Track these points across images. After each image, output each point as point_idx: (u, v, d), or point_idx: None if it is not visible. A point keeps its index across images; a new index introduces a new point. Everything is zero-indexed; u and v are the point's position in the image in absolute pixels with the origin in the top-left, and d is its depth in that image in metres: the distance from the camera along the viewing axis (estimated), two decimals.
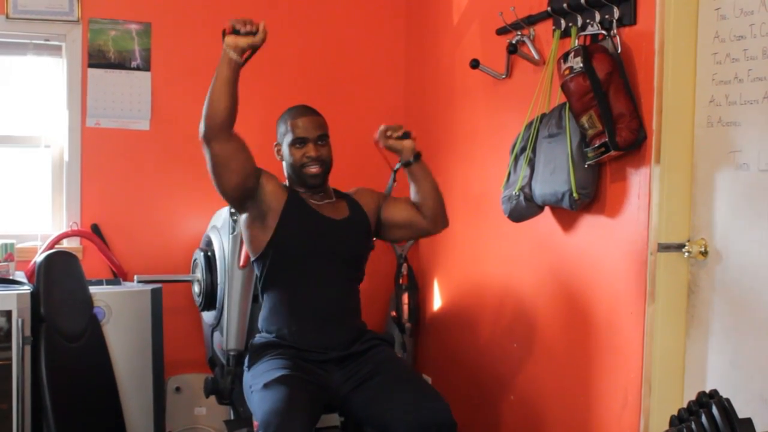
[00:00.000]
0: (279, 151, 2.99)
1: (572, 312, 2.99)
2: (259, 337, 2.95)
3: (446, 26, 3.94)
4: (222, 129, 2.66)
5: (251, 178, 2.81)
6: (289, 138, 2.91)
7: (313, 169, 2.91)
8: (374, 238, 3.09)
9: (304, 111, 2.96)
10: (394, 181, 3.07)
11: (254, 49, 2.63)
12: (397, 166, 3.01)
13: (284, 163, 2.98)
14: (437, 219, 3.05)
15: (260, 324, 2.98)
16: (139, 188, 4.08)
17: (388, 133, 2.94)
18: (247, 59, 2.64)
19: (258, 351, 2.87)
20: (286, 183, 3.00)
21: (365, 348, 2.88)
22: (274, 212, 2.86)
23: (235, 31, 2.59)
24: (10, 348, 3.18)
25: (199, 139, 2.69)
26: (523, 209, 2.99)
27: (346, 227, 2.95)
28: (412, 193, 3.04)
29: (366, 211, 3.03)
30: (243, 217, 2.92)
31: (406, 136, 2.96)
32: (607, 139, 2.54)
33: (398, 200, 3.08)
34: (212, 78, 2.63)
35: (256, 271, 2.97)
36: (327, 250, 2.89)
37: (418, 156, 2.97)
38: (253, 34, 2.60)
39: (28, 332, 3.22)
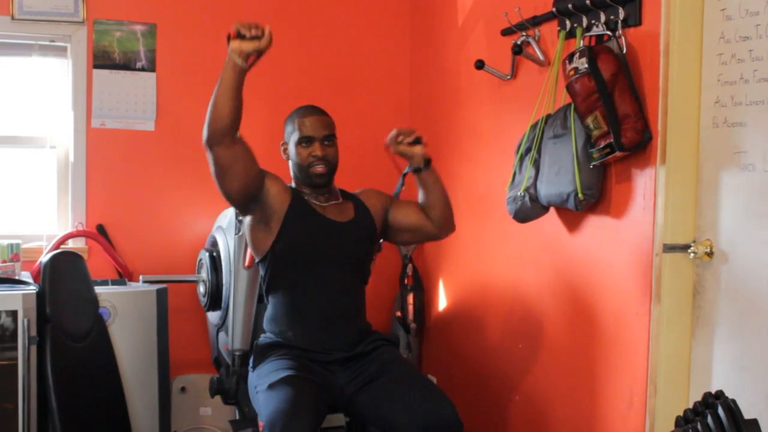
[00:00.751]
0: (285, 149, 2.98)
1: (577, 313, 2.99)
2: (264, 338, 2.95)
3: (451, 27, 3.94)
4: (226, 134, 2.65)
5: (255, 182, 2.81)
6: (296, 137, 2.91)
7: (319, 169, 2.90)
8: (380, 240, 3.09)
9: (312, 110, 2.95)
10: (403, 185, 3.07)
11: (260, 53, 2.60)
12: (407, 170, 3.00)
13: (290, 162, 2.98)
14: (444, 225, 3.04)
15: (265, 325, 2.98)
16: (144, 189, 4.08)
17: (399, 138, 2.92)
18: (252, 64, 2.62)
19: (263, 351, 2.88)
20: (291, 184, 3.00)
21: (370, 348, 2.88)
22: (278, 215, 2.86)
23: (240, 36, 2.56)
24: (15, 348, 3.19)
25: (203, 144, 2.69)
26: (528, 210, 2.99)
27: (350, 229, 2.94)
28: (420, 198, 3.03)
29: (372, 213, 3.02)
30: (247, 220, 2.92)
31: (418, 141, 2.92)
32: (612, 140, 2.54)
33: (406, 204, 3.07)
34: (216, 83, 2.62)
35: (261, 272, 2.98)
36: (330, 253, 2.89)
37: (428, 162, 2.95)
38: (259, 38, 2.57)
39: (33, 332, 3.22)
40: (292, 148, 2.94)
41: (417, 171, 2.96)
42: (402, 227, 3.06)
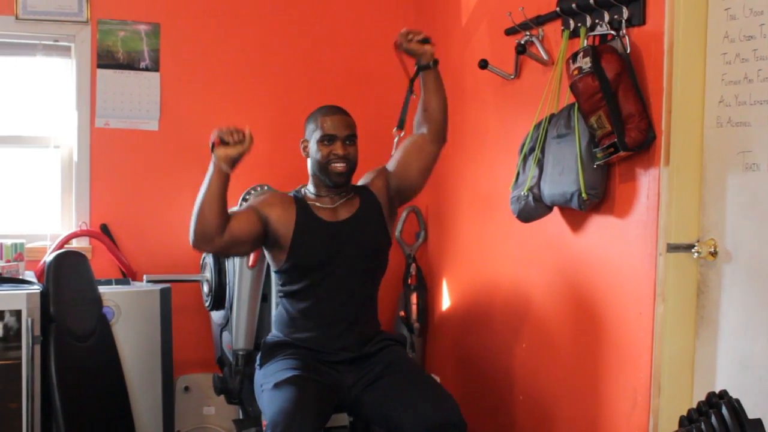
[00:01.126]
0: (306, 147, 2.97)
1: (581, 312, 2.98)
2: (272, 336, 2.95)
3: (455, 27, 3.94)
4: (214, 235, 2.70)
5: (257, 235, 2.84)
6: (317, 135, 2.90)
7: (339, 167, 2.88)
8: (394, 216, 3.07)
9: (335, 110, 2.95)
10: (412, 92, 3.04)
11: (242, 156, 2.68)
12: (416, 73, 2.96)
13: (309, 160, 2.95)
14: (438, 131, 3.00)
15: (273, 323, 2.99)
16: (148, 188, 4.09)
17: (410, 36, 2.91)
18: (234, 167, 2.69)
19: (271, 350, 2.88)
20: (295, 191, 2.99)
21: (377, 349, 2.89)
22: (285, 238, 2.86)
23: (224, 143, 2.64)
24: (19, 347, 3.19)
25: (191, 247, 2.76)
26: (532, 209, 2.99)
27: (358, 225, 2.93)
28: (421, 103, 3.00)
29: (378, 196, 2.99)
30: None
31: (427, 40, 2.93)
32: (616, 140, 2.54)
33: (396, 155, 3.04)
34: (199, 191, 2.68)
35: (276, 279, 2.98)
36: (341, 256, 2.88)
37: (436, 62, 2.95)
38: (242, 142, 2.65)
39: (37, 332, 3.23)
40: (312, 146, 2.92)
41: (425, 68, 2.94)
42: (404, 166, 3.01)
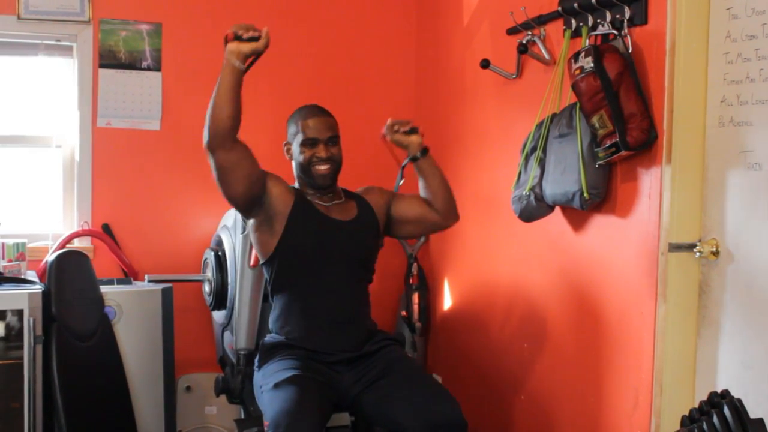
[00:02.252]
0: (289, 150, 2.98)
1: (583, 312, 2.98)
2: (270, 337, 2.95)
3: (457, 26, 3.94)
4: (226, 137, 2.65)
5: (257, 185, 2.80)
6: (299, 138, 2.91)
7: (322, 168, 2.89)
8: (384, 236, 3.09)
9: (316, 111, 2.95)
10: (402, 177, 3.06)
11: (257, 55, 2.62)
12: (405, 162, 3.00)
13: (293, 163, 2.97)
14: (448, 213, 3.04)
15: (271, 325, 2.99)
16: (149, 188, 4.09)
17: (395, 128, 2.94)
18: (249, 66, 2.63)
19: (269, 351, 2.88)
20: (294, 185, 3.00)
21: (376, 348, 2.88)
22: (281, 216, 2.85)
23: (238, 38, 2.58)
24: (21, 347, 3.19)
25: (203, 148, 2.69)
26: (534, 209, 2.99)
27: (354, 228, 2.94)
28: (421, 189, 3.03)
29: (375, 209, 3.02)
30: (251, 222, 2.91)
31: (414, 131, 2.95)
32: (617, 139, 2.54)
33: (408, 196, 3.07)
34: (215, 86, 2.63)
35: (266, 275, 2.97)
36: (335, 252, 2.89)
37: (425, 151, 2.96)
38: (256, 39, 2.58)
39: (39, 331, 3.23)
40: (295, 149, 2.93)
41: (414, 160, 2.96)
42: (405, 219, 3.06)
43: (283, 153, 3.01)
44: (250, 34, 2.58)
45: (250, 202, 2.82)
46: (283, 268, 2.88)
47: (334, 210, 2.95)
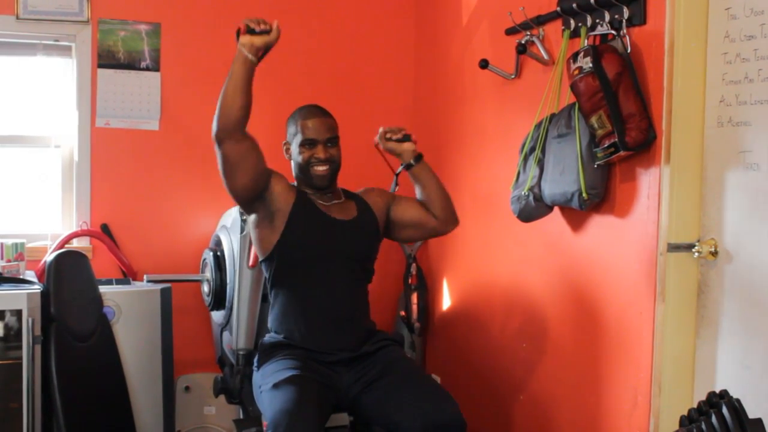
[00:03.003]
0: (288, 150, 2.98)
1: (582, 312, 2.98)
2: (269, 337, 2.95)
3: (455, 26, 3.94)
4: (235, 128, 2.67)
5: (262, 179, 2.81)
6: (298, 139, 2.91)
7: (321, 169, 2.90)
8: (383, 238, 3.09)
9: (315, 112, 2.95)
10: (397, 184, 3.07)
11: (269, 47, 2.65)
12: (399, 169, 3.01)
13: (292, 163, 2.98)
14: (446, 219, 3.04)
15: (270, 324, 2.99)
16: (148, 188, 4.09)
17: (388, 136, 2.95)
18: (261, 58, 2.66)
19: (268, 351, 2.88)
20: (295, 183, 3.00)
21: (375, 348, 2.88)
22: (282, 213, 2.86)
23: (250, 31, 2.62)
24: (20, 347, 3.19)
25: (212, 139, 2.70)
26: (533, 209, 2.99)
27: (354, 228, 2.94)
28: (418, 195, 3.04)
29: (375, 210, 3.02)
30: (251, 218, 2.92)
31: (407, 138, 2.96)
32: (616, 139, 2.54)
33: (408, 200, 3.07)
34: (226, 78, 2.64)
35: (265, 273, 2.97)
36: (335, 252, 2.89)
37: (419, 158, 2.97)
38: (268, 32, 2.63)
39: (38, 331, 3.23)
40: (294, 149, 2.94)
41: (408, 167, 2.97)
42: (405, 223, 3.06)
43: (282, 153, 3.01)
44: (262, 27, 2.63)
45: (253, 196, 2.83)
46: (283, 266, 2.88)
47: (334, 209, 2.95)
